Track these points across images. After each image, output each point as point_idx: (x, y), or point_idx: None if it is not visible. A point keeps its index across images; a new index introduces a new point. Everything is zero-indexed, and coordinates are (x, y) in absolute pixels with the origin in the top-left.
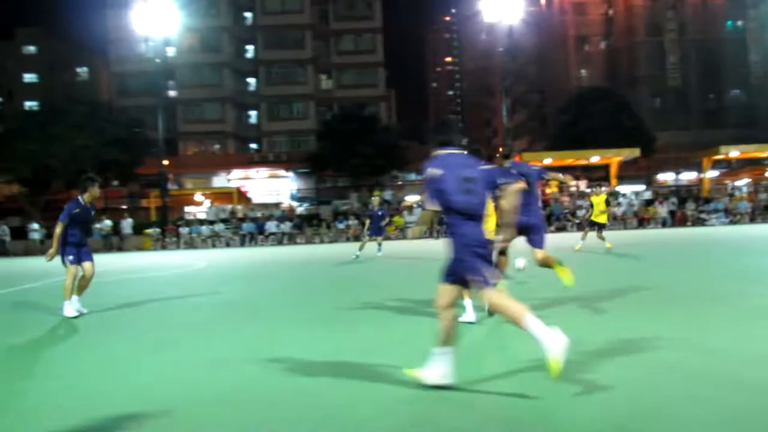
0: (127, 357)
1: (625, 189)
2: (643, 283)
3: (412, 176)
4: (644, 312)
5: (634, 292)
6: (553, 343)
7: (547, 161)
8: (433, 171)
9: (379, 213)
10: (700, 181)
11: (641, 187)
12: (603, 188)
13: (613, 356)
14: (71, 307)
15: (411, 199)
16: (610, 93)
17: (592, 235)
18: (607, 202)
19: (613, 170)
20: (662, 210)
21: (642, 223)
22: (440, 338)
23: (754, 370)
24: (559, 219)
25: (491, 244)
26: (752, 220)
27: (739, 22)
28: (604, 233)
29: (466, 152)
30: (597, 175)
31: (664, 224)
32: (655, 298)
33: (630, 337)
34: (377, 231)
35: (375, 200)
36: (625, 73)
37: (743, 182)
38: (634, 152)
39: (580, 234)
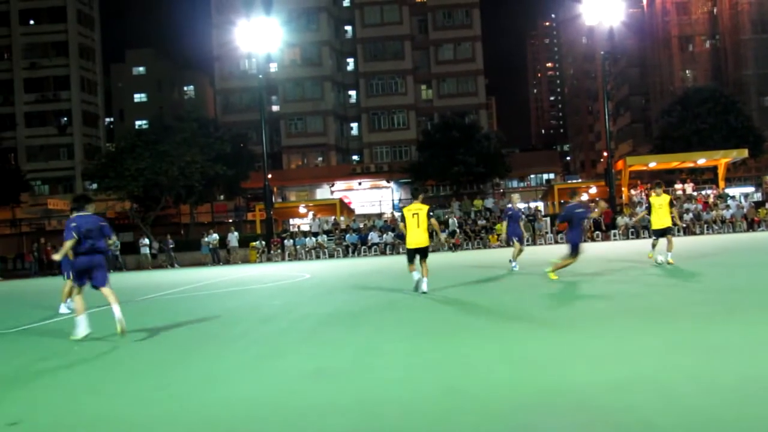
0: (232, 367)
1: (734, 191)
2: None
3: (515, 183)
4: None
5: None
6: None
7: (652, 164)
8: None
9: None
10: None
11: (750, 189)
12: (661, 189)
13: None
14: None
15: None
16: (716, 93)
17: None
18: (672, 204)
19: (721, 172)
20: None
21: (752, 225)
22: None
23: None
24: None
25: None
26: None
27: None
28: (662, 242)
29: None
30: (704, 177)
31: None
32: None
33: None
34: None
35: (515, 197)
36: (731, 73)
37: None
38: (742, 153)
39: (685, 238)
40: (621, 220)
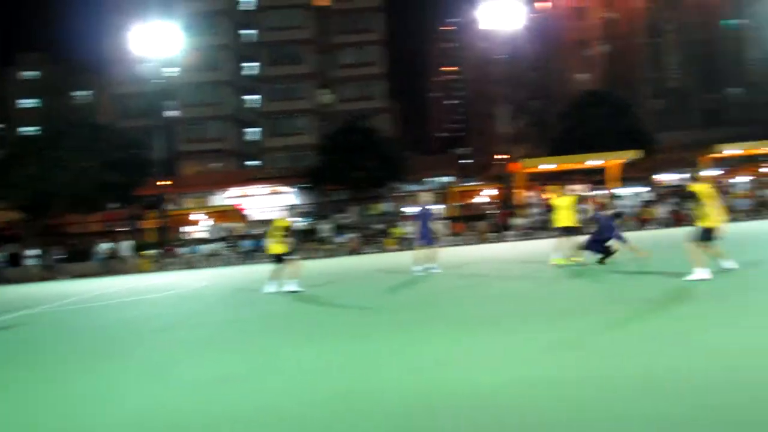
0: (125, 381)
1: (627, 191)
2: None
3: (414, 187)
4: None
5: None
6: None
7: (548, 167)
8: None
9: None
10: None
11: (643, 189)
12: (571, 189)
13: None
14: None
15: (410, 209)
16: (610, 96)
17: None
18: (575, 204)
19: (614, 173)
20: (662, 210)
21: (644, 223)
22: None
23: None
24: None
25: None
26: (751, 217)
27: (737, 21)
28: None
29: None
30: (597, 179)
31: (667, 225)
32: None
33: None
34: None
35: (425, 196)
36: (625, 76)
37: (743, 180)
38: (635, 154)
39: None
40: (516, 222)
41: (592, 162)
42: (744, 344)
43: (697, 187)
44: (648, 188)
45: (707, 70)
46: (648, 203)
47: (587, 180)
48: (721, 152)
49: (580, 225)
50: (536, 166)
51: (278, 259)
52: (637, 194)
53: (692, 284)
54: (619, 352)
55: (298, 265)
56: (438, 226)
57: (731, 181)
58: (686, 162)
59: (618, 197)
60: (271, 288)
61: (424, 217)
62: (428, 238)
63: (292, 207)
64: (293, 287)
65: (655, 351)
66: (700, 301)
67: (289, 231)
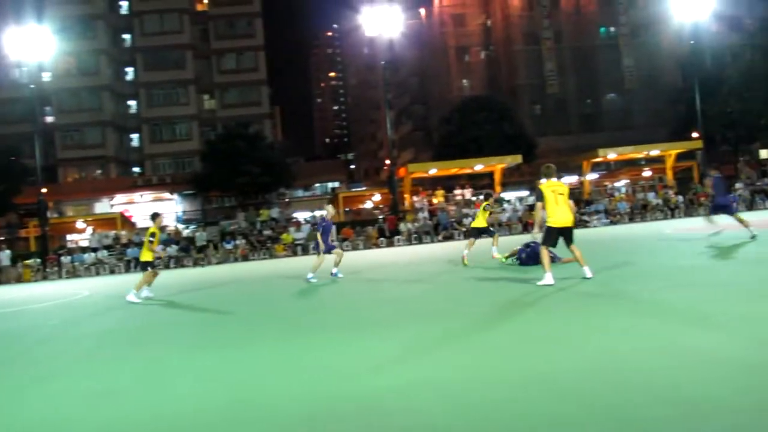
0: (4, 395)
1: (510, 195)
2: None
3: (300, 193)
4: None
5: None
6: None
7: (433, 171)
8: None
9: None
10: (581, 183)
11: (524, 193)
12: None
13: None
14: None
15: (299, 215)
16: (491, 102)
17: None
18: (151, 237)
19: (497, 177)
20: (545, 214)
21: (526, 227)
22: None
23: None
24: (446, 228)
25: None
26: (631, 220)
27: (612, 29)
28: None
29: None
30: (482, 183)
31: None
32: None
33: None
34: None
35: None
36: (505, 82)
37: (621, 183)
38: (516, 159)
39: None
40: (404, 226)
41: (477, 166)
42: (610, 347)
43: (543, 186)
44: (530, 192)
45: (584, 77)
46: (531, 207)
47: (472, 184)
48: (600, 156)
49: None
50: (422, 171)
51: (144, 266)
52: (520, 198)
53: (544, 289)
54: (503, 352)
55: (153, 274)
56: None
57: (611, 185)
58: (566, 166)
59: (503, 201)
60: (147, 294)
61: (327, 225)
62: (329, 245)
63: (177, 213)
64: (145, 294)
65: (533, 352)
66: (555, 306)
67: (155, 237)
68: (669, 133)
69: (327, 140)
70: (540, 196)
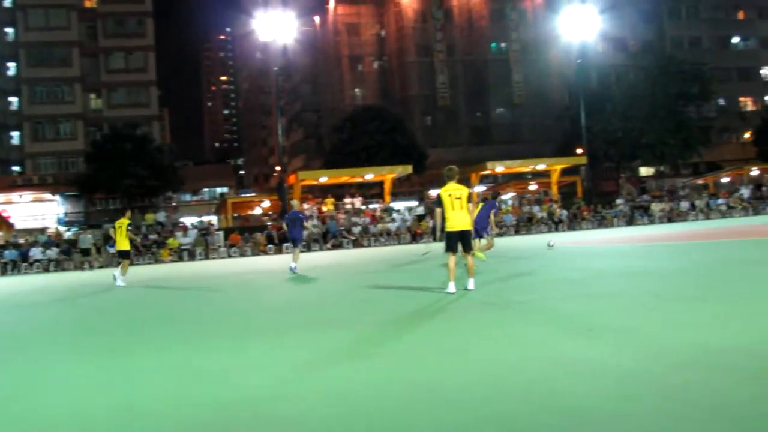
0: None
1: (399, 205)
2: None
3: (187, 197)
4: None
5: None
6: None
7: (323, 179)
8: None
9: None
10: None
11: (414, 203)
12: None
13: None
14: None
15: (186, 220)
16: (383, 112)
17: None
18: (129, 227)
19: (387, 187)
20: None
21: (415, 237)
22: None
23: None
24: (335, 236)
25: None
26: (517, 232)
27: (503, 44)
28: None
29: None
30: (372, 192)
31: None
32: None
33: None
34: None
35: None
36: (397, 93)
37: (508, 196)
38: (407, 169)
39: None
40: None
41: (368, 175)
42: (499, 356)
43: (442, 191)
44: (420, 202)
45: (475, 90)
46: (420, 217)
47: (362, 193)
48: (488, 169)
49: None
50: (313, 179)
51: (124, 254)
52: (409, 208)
53: (445, 298)
54: (393, 361)
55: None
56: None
57: (501, 196)
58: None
59: (392, 211)
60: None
61: (296, 221)
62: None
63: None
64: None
65: (423, 361)
66: (452, 314)
67: (131, 227)
68: (555, 148)
69: (217, 145)
70: (439, 202)
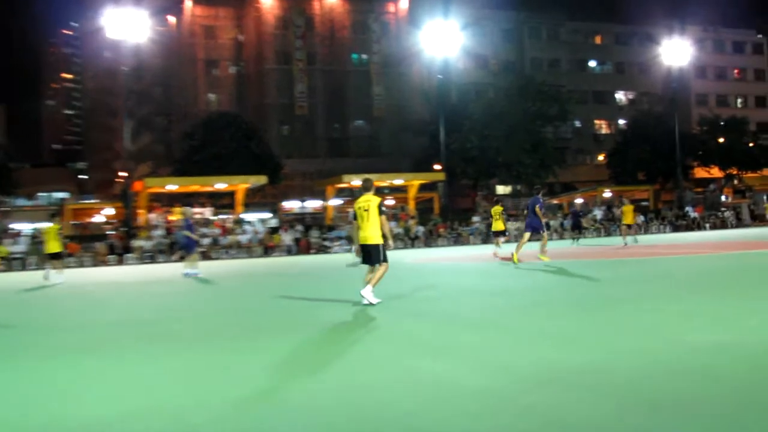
0: None
1: (251, 216)
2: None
3: (21, 201)
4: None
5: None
6: None
7: (172, 187)
8: None
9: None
10: (325, 209)
11: (267, 215)
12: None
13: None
14: None
15: (18, 226)
16: (238, 119)
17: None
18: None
19: (239, 197)
20: (287, 237)
21: (267, 251)
22: None
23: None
24: (181, 248)
25: None
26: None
27: (364, 56)
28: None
29: None
30: (223, 202)
31: (289, 252)
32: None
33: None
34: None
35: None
36: (254, 100)
37: None
38: (261, 179)
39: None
40: (139, 244)
41: (220, 185)
42: (352, 378)
43: (355, 204)
44: (274, 214)
45: (334, 101)
46: (274, 230)
47: (213, 203)
48: (344, 182)
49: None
50: (161, 186)
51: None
52: (263, 220)
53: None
54: (236, 378)
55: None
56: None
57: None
58: (311, 190)
59: (243, 222)
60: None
61: (189, 228)
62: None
63: None
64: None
65: (268, 378)
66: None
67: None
68: (413, 163)
69: (57, 147)
70: (353, 215)
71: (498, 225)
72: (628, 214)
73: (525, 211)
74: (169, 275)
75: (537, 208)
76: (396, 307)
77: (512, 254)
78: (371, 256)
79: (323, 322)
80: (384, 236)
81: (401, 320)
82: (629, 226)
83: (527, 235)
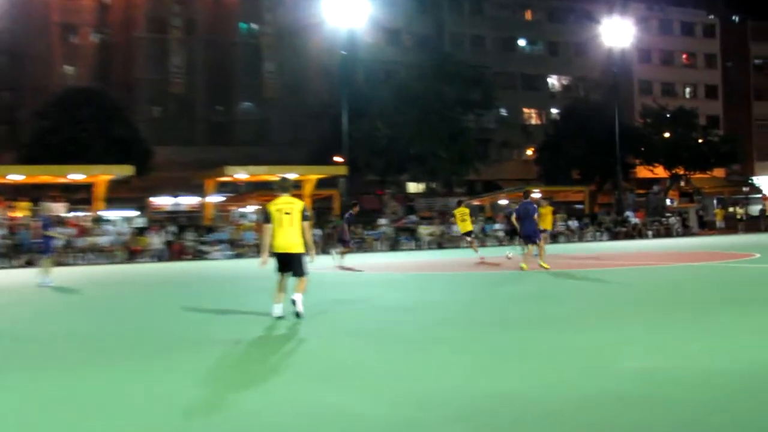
0: None
1: (114, 214)
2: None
3: None
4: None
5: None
6: None
7: (16, 177)
8: None
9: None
10: (203, 206)
11: (134, 213)
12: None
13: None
14: None
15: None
16: (101, 96)
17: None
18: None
19: (99, 190)
20: (157, 240)
21: (133, 255)
22: None
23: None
24: (30, 250)
25: None
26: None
27: (254, 26)
28: None
29: None
30: (79, 197)
31: (159, 257)
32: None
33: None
34: None
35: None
36: (120, 74)
37: (251, 209)
38: (127, 170)
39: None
40: None
41: (76, 176)
42: (237, 408)
43: (270, 205)
44: (141, 212)
45: (217, 78)
46: (140, 231)
47: (68, 197)
48: (228, 175)
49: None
50: (1, 176)
51: None
52: (127, 219)
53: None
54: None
55: None
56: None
57: (239, 210)
58: (187, 184)
59: (104, 221)
60: None
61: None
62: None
63: None
64: None
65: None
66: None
67: None
68: (310, 154)
69: None
70: (267, 217)
71: (466, 226)
72: (545, 217)
73: (513, 216)
74: (18, 284)
75: (535, 216)
76: (281, 324)
77: (540, 264)
78: (294, 266)
79: (184, 344)
80: (307, 245)
81: (289, 340)
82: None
83: (531, 246)
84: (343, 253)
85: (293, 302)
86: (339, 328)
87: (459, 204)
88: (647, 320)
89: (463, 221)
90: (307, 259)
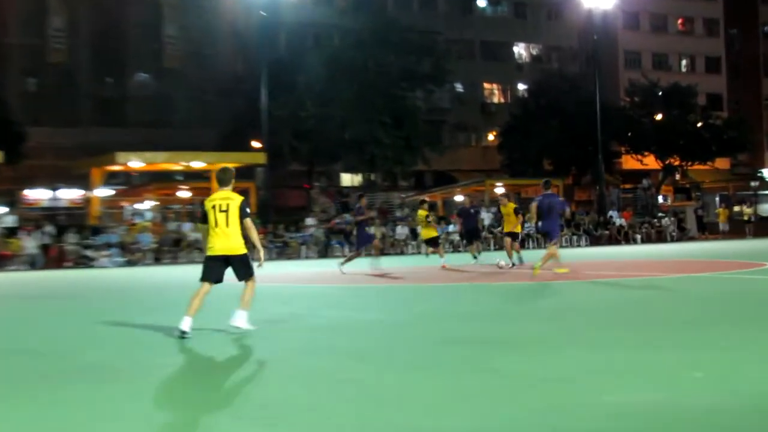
0: None
1: None
2: None
3: None
4: None
5: None
6: None
7: None
8: None
9: None
10: (88, 201)
11: (2, 210)
12: None
13: None
14: None
15: None
16: None
17: None
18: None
19: None
20: (30, 244)
21: (1, 261)
22: None
23: None
24: None
25: None
26: (158, 260)
27: None
28: None
29: None
30: None
31: (32, 264)
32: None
33: None
34: None
35: None
36: None
37: (147, 206)
38: None
39: None
40: None
41: None
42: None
43: (207, 201)
44: (10, 209)
45: (108, 46)
46: (10, 231)
47: None
48: (119, 163)
49: None
50: None
51: None
52: None
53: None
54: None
55: None
56: None
57: (133, 206)
58: (68, 174)
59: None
60: None
61: None
62: None
63: None
64: None
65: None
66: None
67: None
68: (221, 138)
69: None
70: (204, 216)
71: (429, 232)
72: (508, 218)
73: (534, 208)
74: None
75: (564, 211)
76: (183, 349)
77: (555, 270)
78: (237, 269)
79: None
80: (250, 244)
81: (189, 370)
82: (514, 237)
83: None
84: (375, 255)
85: (235, 325)
86: (247, 353)
87: (422, 204)
88: (632, 343)
89: (425, 227)
90: (253, 261)
